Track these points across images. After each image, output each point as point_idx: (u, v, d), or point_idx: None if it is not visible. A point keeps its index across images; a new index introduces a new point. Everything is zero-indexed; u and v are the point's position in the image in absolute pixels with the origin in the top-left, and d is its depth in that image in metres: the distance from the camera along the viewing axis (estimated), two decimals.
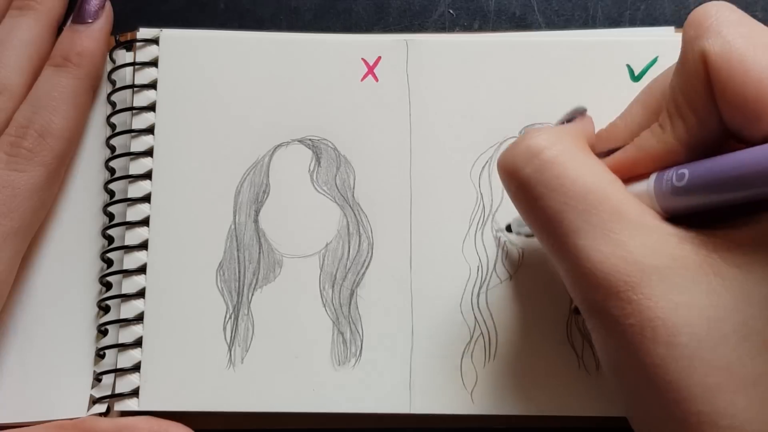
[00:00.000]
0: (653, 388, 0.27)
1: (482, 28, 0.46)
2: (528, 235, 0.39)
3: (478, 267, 0.40)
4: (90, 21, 0.42)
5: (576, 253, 0.28)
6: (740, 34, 0.27)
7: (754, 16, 0.28)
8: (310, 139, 0.42)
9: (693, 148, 0.29)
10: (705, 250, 0.27)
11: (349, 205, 0.41)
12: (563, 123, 0.33)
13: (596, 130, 0.34)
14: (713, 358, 0.25)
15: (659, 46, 0.42)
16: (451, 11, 0.46)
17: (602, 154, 0.31)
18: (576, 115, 0.33)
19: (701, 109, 0.28)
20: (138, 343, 0.40)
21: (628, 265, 0.26)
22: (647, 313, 0.26)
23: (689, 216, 0.28)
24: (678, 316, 0.26)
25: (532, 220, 0.30)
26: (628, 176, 0.30)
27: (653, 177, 0.29)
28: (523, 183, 0.29)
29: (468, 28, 0.46)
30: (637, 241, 0.27)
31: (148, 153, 0.42)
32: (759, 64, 0.26)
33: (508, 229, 0.40)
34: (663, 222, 0.28)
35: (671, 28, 0.44)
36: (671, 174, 0.28)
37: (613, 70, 0.42)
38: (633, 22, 0.45)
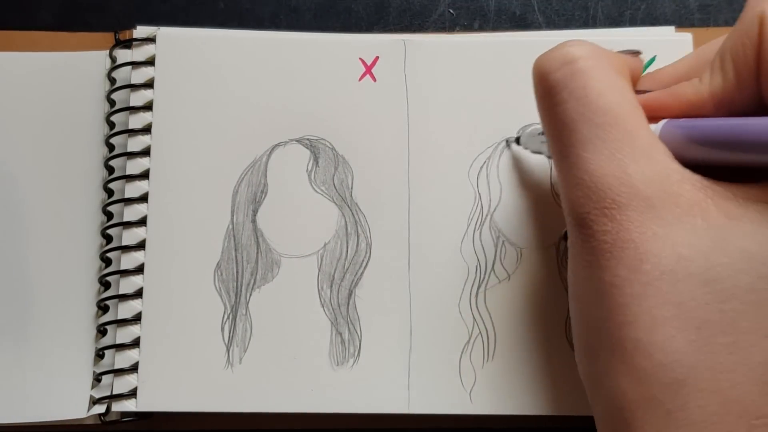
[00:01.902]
0: (604, 307, 0.27)
1: (482, 28, 0.46)
2: (534, 151, 0.40)
3: (477, 267, 0.40)
4: None
5: (578, 162, 0.28)
6: None
7: None
8: (308, 139, 0.42)
9: (721, 108, 0.29)
10: (702, 194, 0.27)
11: (347, 205, 0.41)
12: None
13: None
14: (669, 292, 0.26)
15: (657, 46, 0.42)
16: (451, 11, 0.46)
17: (638, 92, 0.32)
18: (628, 53, 0.34)
19: (743, 67, 0.28)
20: (136, 343, 0.40)
21: (622, 186, 0.27)
22: (623, 234, 0.27)
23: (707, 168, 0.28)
24: (651, 244, 0.26)
25: (548, 123, 0.30)
26: (653, 117, 0.30)
27: (664, 121, 0.29)
28: (551, 86, 0.30)
29: (468, 27, 0.46)
30: (638, 168, 0.27)
31: (146, 152, 0.42)
32: None
33: (517, 141, 0.41)
34: (671, 160, 0.28)
35: (671, 28, 0.44)
36: (680, 122, 0.29)
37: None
38: (633, 22, 0.45)
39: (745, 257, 0.26)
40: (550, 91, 0.30)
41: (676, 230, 0.26)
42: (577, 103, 0.29)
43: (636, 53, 0.34)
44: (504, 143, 0.41)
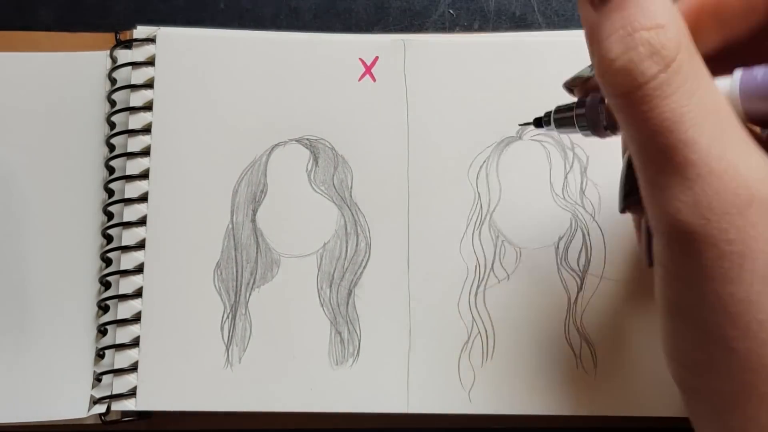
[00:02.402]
0: (737, 326, 0.25)
1: (482, 28, 0.46)
2: (564, 131, 0.34)
3: (476, 267, 0.40)
4: None
5: (686, 165, 0.24)
6: None
7: None
8: (307, 139, 0.42)
9: None
10: None
11: (347, 205, 0.41)
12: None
13: None
14: None
15: None
16: (451, 11, 0.46)
17: None
18: None
19: None
20: (136, 343, 0.40)
21: (739, 188, 0.24)
22: (751, 243, 0.24)
23: None
24: None
25: (638, 127, 0.25)
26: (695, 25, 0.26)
27: (738, 73, 0.26)
28: (646, 87, 0.25)
29: (468, 28, 0.46)
30: (748, 164, 0.24)
31: (146, 152, 0.42)
32: None
33: (542, 123, 0.35)
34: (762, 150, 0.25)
35: None
36: (761, 70, 0.26)
37: None
38: None
39: None
40: (645, 92, 0.25)
41: None
42: (684, 101, 0.25)
43: None
44: (503, 141, 0.41)
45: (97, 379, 0.40)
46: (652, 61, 0.24)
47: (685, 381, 0.28)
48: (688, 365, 0.27)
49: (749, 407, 0.25)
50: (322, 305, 0.40)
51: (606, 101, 0.28)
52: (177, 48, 0.43)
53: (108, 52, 0.44)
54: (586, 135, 0.31)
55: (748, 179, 0.24)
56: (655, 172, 0.26)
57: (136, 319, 0.40)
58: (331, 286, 0.40)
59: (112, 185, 0.42)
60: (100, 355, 0.41)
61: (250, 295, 0.40)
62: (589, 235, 0.40)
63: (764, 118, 0.26)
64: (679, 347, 0.28)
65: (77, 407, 0.40)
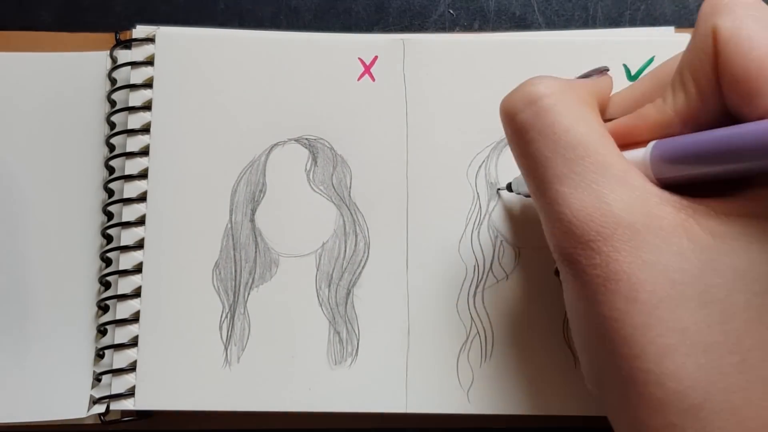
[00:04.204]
0: (608, 342, 0.27)
1: (482, 28, 0.46)
2: (527, 195, 0.39)
3: (475, 266, 0.40)
4: None
5: (557, 198, 0.28)
6: (752, 14, 0.27)
7: None
8: (306, 139, 0.42)
9: (689, 123, 0.29)
10: (684, 214, 0.27)
11: (346, 205, 0.41)
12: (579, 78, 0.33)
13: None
14: (670, 319, 0.26)
15: (656, 46, 0.42)
16: (451, 11, 0.46)
17: (606, 121, 0.32)
18: (594, 73, 0.33)
19: (704, 82, 0.28)
20: (135, 342, 0.40)
21: (603, 217, 0.27)
22: (613, 266, 0.27)
23: (687, 187, 0.28)
24: (643, 273, 0.26)
25: (522, 163, 0.31)
26: (624, 143, 0.30)
27: (651, 144, 0.29)
28: (519, 127, 0.30)
29: (468, 28, 0.46)
30: (616, 196, 0.27)
31: (145, 152, 0.42)
32: (764, 43, 0.26)
33: (509, 188, 0.40)
34: (648, 183, 0.28)
35: (671, 28, 0.43)
36: (667, 142, 0.28)
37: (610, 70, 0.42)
38: (633, 22, 0.45)
39: (737, 276, 0.26)
40: (519, 132, 0.30)
41: (664, 255, 0.26)
42: (547, 141, 0.29)
43: (603, 71, 0.34)
44: (502, 141, 0.41)
45: (97, 379, 0.40)
46: (526, 104, 0.30)
47: (597, 394, 0.31)
48: (592, 380, 0.31)
49: (639, 413, 0.27)
50: (320, 305, 0.40)
51: None
52: (176, 48, 0.43)
53: (108, 52, 0.44)
54: None
55: (614, 209, 0.27)
56: (539, 205, 0.30)
57: (136, 319, 0.40)
58: (329, 285, 0.40)
59: (111, 185, 0.42)
60: (99, 355, 0.41)
61: (248, 294, 0.40)
62: None
63: (673, 182, 0.28)
64: (582, 362, 0.31)
65: (77, 407, 0.40)
